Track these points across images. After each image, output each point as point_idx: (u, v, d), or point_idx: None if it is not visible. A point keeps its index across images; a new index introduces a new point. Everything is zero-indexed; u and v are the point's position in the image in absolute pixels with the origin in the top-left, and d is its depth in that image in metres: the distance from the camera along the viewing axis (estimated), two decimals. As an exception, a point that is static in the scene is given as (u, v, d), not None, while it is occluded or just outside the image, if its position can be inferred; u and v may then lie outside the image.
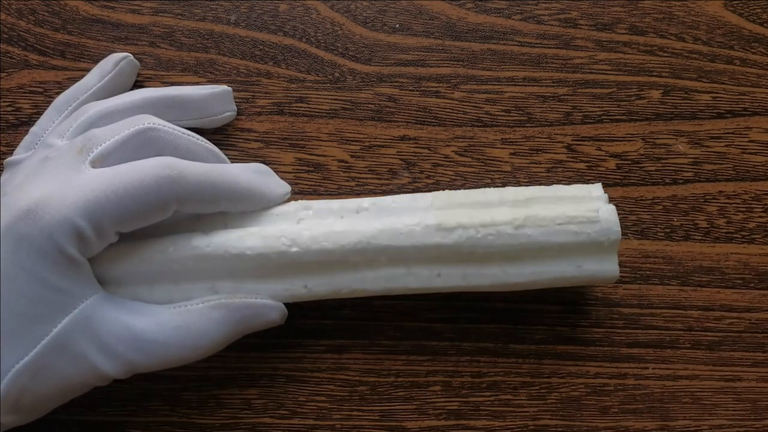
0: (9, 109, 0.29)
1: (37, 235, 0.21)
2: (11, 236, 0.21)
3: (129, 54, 0.28)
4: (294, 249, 0.24)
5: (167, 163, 0.23)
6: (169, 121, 0.25)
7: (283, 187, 0.27)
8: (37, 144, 0.26)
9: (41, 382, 0.22)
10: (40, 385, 0.22)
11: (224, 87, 0.29)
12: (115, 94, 0.27)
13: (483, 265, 0.25)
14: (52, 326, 0.22)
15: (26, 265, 0.21)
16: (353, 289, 0.25)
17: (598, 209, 0.24)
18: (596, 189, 0.25)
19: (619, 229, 0.24)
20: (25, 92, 0.29)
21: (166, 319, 0.23)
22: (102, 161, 0.23)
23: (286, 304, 0.25)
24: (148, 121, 0.24)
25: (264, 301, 0.24)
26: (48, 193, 0.22)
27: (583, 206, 0.25)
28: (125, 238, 0.24)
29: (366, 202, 0.25)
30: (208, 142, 0.26)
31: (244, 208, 0.25)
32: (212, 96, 0.28)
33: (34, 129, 0.27)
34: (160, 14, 0.30)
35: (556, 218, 0.24)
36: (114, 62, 0.28)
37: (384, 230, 0.24)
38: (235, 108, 0.29)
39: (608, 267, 0.25)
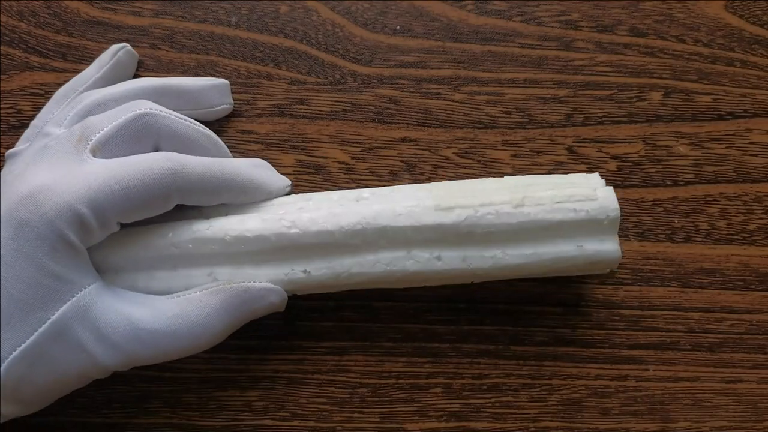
0: (10, 111, 0.29)
1: (38, 220, 0.21)
2: (12, 222, 0.21)
3: (127, 44, 0.29)
4: (293, 230, 0.24)
5: (170, 156, 0.23)
6: None
7: (283, 181, 0.27)
8: (36, 135, 0.26)
9: (39, 370, 0.22)
10: (38, 374, 0.22)
11: (222, 80, 0.29)
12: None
13: (483, 247, 0.25)
14: (50, 313, 0.21)
15: (26, 250, 0.21)
16: (353, 273, 0.25)
17: (596, 188, 0.25)
18: (594, 177, 0.26)
19: (618, 207, 0.24)
20: (26, 94, 0.29)
21: (164, 309, 0.23)
22: (101, 149, 0.23)
23: (288, 300, 0.25)
24: (145, 106, 0.24)
25: (263, 285, 0.24)
26: (50, 180, 0.22)
27: (582, 187, 0.25)
28: (124, 226, 0.24)
29: (366, 192, 0.26)
30: (205, 127, 0.26)
31: (245, 200, 0.25)
32: (210, 87, 0.28)
33: (34, 122, 0.27)
34: (161, 16, 0.30)
35: (555, 197, 0.24)
36: (112, 53, 0.28)
37: (383, 211, 0.24)
38: (232, 101, 0.29)
39: (609, 247, 0.25)
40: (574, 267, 0.25)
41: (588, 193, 0.24)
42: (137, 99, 0.26)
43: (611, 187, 0.25)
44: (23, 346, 0.21)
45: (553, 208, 0.24)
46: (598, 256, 0.25)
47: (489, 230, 0.24)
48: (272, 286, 0.24)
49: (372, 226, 0.24)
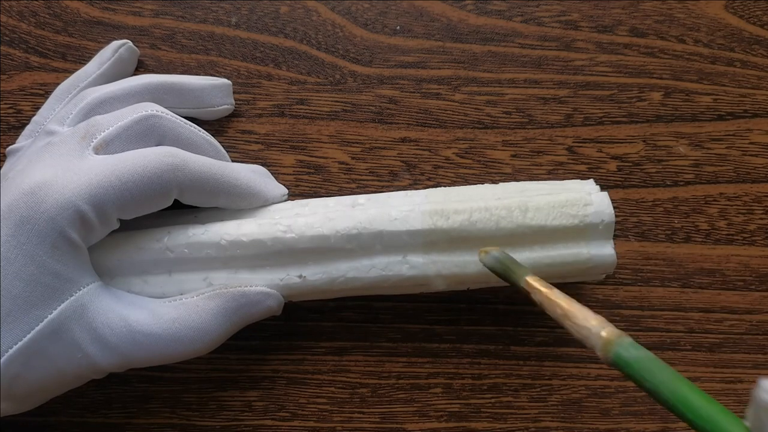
0: (10, 111, 0.29)
1: (38, 217, 0.21)
2: (12, 218, 0.21)
3: (128, 41, 0.29)
4: (289, 235, 0.24)
5: (171, 151, 0.23)
6: (167, 108, 0.25)
7: (280, 189, 0.27)
8: (38, 132, 0.26)
9: (34, 368, 0.22)
10: (33, 372, 0.22)
11: (224, 80, 0.29)
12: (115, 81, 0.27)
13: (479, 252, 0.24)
14: (47, 312, 0.21)
15: (26, 248, 0.21)
16: (348, 277, 0.24)
17: (590, 193, 0.25)
18: (588, 183, 0.26)
19: (613, 212, 0.24)
20: (26, 94, 0.29)
21: (161, 312, 0.23)
22: (105, 147, 0.23)
23: (286, 304, 0.25)
24: (151, 108, 0.24)
25: (260, 288, 0.24)
26: (51, 177, 0.22)
27: (577, 193, 0.25)
28: (122, 229, 0.24)
29: (361, 198, 0.26)
30: (209, 134, 0.26)
31: (242, 205, 0.25)
32: (211, 87, 0.28)
33: (35, 118, 0.27)
34: (161, 16, 0.30)
35: (550, 202, 0.24)
36: (113, 49, 0.28)
37: (378, 215, 0.24)
38: (233, 101, 0.29)
39: (604, 251, 0.24)
40: (570, 272, 0.25)
41: (583, 198, 0.24)
42: (139, 96, 0.26)
43: (606, 193, 0.25)
44: (20, 343, 0.21)
45: (548, 213, 0.24)
46: (594, 261, 0.24)
47: (484, 235, 0.24)
48: (269, 290, 0.24)
49: (367, 230, 0.24)
